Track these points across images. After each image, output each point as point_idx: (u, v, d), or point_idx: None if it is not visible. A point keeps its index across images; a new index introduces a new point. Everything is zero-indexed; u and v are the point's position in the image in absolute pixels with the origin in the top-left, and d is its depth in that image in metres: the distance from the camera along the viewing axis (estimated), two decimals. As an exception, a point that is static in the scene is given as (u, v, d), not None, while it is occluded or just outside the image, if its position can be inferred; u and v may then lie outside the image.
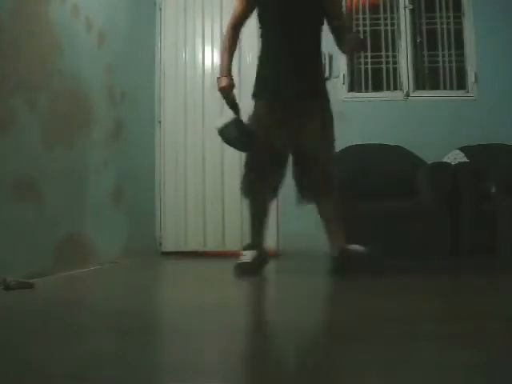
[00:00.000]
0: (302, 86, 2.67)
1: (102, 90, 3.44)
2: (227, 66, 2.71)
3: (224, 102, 2.73)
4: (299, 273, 2.96)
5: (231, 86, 2.69)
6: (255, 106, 2.75)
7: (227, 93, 2.68)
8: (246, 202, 2.89)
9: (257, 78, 2.79)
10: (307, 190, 2.77)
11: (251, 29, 3.02)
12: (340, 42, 2.79)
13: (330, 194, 2.72)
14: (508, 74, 4.30)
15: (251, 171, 2.74)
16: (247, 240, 2.89)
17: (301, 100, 2.67)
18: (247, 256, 2.70)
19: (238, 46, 2.88)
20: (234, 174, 4.34)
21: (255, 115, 2.73)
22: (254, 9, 2.78)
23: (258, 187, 2.73)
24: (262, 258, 2.78)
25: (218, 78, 2.72)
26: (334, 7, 2.80)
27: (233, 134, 2.65)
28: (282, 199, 4.21)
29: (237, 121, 2.66)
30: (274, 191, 2.82)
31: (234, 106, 2.70)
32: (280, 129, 2.65)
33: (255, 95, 2.76)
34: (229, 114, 2.70)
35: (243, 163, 2.83)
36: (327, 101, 2.79)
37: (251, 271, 2.64)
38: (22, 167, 2.56)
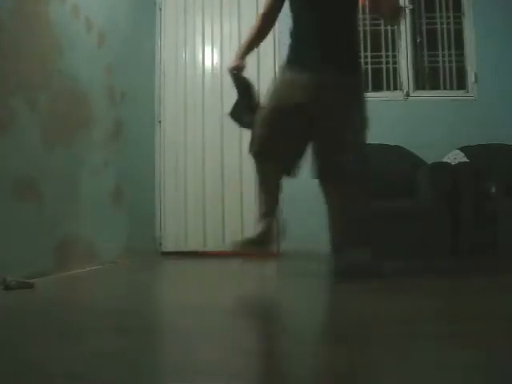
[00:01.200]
0: (336, 57, 2.52)
1: (102, 89, 3.44)
2: (243, 51, 2.78)
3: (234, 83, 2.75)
4: (299, 273, 2.96)
5: (239, 67, 2.73)
6: (283, 77, 2.62)
7: (234, 73, 2.73)
8: (257, 180, 2.70)
9: (289, 48, 2.64)
10: (321, 170, 2.64)
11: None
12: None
13: (343, 181, 2.58)
14: (508, 74, 4.31)
15: (265, 147, 2.58)
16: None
17: (334, 72, 2.50)
18: (262, 225, 2.55)
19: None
20: (235, 174, 4.35)
21: (282, 84, 2.59)
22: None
23: (272, 165, 2.61)
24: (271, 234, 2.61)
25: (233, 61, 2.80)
26: None
27: (240, 115, 2.73)
28: (282, 199, 4.23)
29: (239, 102, 2.72)
30: (286, 171, 2.68)
31: (241, 87, 2.73)
32: (307, 101, 2.49)
33: (286, 65, 2.62)
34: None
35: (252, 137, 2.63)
36: (361, 75, 2.73)
37: (265, 243, 2.54)
38: (22, 167, 2.56)
